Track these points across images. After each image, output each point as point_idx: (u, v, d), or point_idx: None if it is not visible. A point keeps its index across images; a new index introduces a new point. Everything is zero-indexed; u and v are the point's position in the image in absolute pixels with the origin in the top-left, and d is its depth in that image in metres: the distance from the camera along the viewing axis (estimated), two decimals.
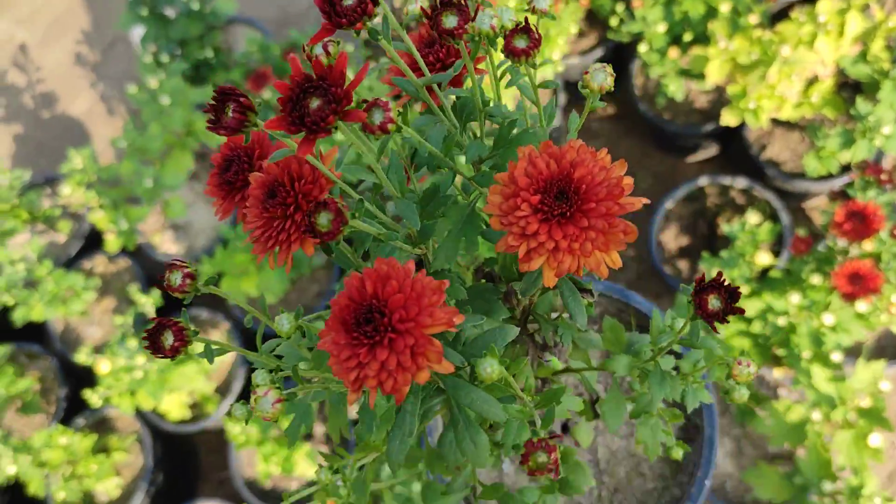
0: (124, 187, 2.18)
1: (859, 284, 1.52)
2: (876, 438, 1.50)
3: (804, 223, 2.22)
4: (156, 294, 2.12)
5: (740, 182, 2.13)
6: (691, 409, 0.76)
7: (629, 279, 2.35)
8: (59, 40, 3.20)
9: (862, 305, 1.51)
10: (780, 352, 1.65)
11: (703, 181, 2.16)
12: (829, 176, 1.99)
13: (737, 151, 2.23)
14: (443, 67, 0.72)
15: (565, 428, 0.94)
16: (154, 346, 0.65)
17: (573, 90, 2.47)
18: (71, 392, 2.30)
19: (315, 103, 0.51)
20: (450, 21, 0.60)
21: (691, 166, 2.43)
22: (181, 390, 2.11)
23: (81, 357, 1.96)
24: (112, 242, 2.11)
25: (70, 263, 2.43)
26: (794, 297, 1.55)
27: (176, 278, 0.68)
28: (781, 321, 1.58)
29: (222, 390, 2.27)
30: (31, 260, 2.10)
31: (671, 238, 2.17)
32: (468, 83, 0.67)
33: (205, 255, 2.23)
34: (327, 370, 0.68)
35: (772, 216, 2.10)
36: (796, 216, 2.20)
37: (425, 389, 0.63)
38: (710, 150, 2.35)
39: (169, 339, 0.66)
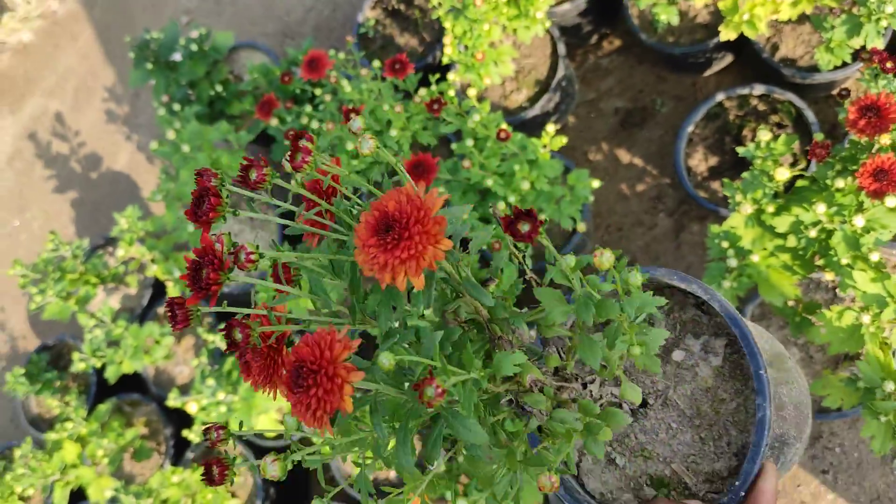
0: (171, 236, 2.30)
1: (885, 179, 1.48)
2: None
3: (833, 116, 2.15)
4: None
5: (758, 89, 2.07)
6: (645, 311, 0.78)
7: (670, 209, 2.34)
8: (89, 102, 3.35)
9: (891, 200, 1.47)
10: (821, 261, 1.63)
11: (720, 97, 2.12)
12: (845, 65, 1.92)
13: (750, 56, 2.17)
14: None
15: (584, 385, 0.98)
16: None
17: (572, 34, 2.44)
18: (176, 430, 2.48)
19: (204, 272, 0.69)
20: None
21: (710, 80, 2.37)
22: (269, 410, 2.25)
23: (171, 402, 2.11)
24: (172, 290, 2.24)
25: (145, 313, 2.60)
26: (820, 207, 1.52)
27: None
28: (813, 233, 1.56)
29: None
30: (107, 323, 2.26)
31: (700, 161, 2.14)
32: None
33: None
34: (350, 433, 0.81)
35: (797, 116, 2.04)
36: (825, 108, 2.13)
37: (410, 413, 0.74)
38: (725, 60, 2.29)
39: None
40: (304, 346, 0.65)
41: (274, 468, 0.73)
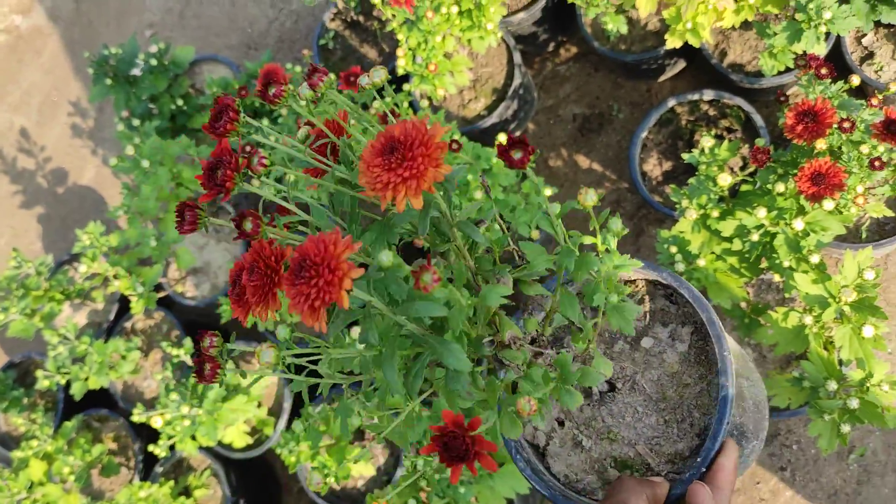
0: (134, 251, 2.31)
1: (823, 183, 1.52)
2: (869, 330, 1.51)
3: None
4: (188, 344, 2.25)
5: (707, 94, 2.11)
6: (622, 267, 0.83)
7: (629, 212, 2.37)
8: (54, 117, 3.34)
9: (829, 204, 1.51)
10: (765, 264, 1.67)
11: (672, 102, 2.15)
12: (789, 70, 1.96)
13: (701, 62, 2.21)
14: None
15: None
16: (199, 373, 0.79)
17: (529, 42, 2.47)
18: (145, 444, 2.49)
19: (219, 173, 0.73)
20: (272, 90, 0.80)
21: (664, 85, 2.41)
22: (237, 422, 2.26)
23: (135, 417, 2.12)
24: (136, 306, 2.25)
25: (112, 327, 2.60)
26: (761, 212, 1.56)
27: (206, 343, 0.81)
28: (756, 236, 1.60)
29: (275, 411, 2.41)
30: (71, 339, 2.26)
31: (654, 166, 2.18)
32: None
33: (223, 295, 2.35)
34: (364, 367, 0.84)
35: (746, 120, 2.08)
36: (774, 111, 2.17)
37: (394, 340, 0.76)
38: (678, 66, 2.33)
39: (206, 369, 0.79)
40: (308, 243, 0.67)
41: (269, 354, 0.76)
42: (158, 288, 2.57)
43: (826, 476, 2.06)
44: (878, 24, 1.93)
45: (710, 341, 1.00)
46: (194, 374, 0.80)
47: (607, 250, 0.82)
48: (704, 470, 0.89)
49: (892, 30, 1.93)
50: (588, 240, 0.82)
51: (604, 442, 1.00)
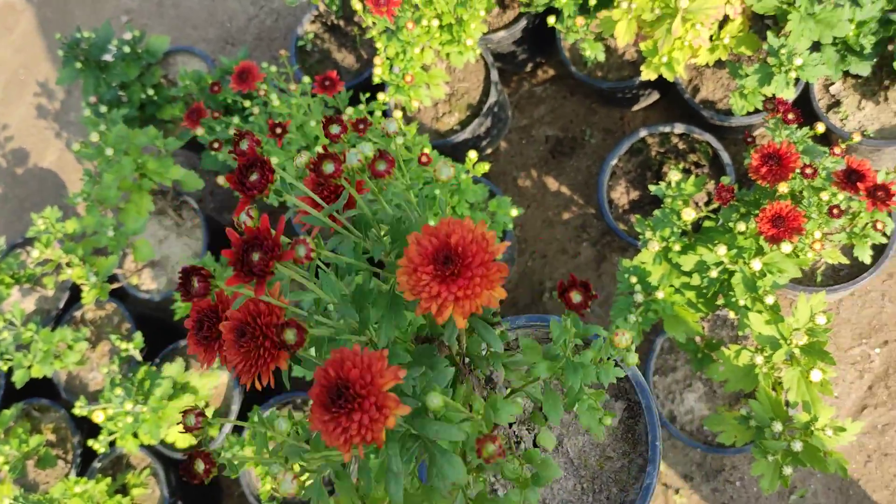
0: (90, 240, 2.26)
1: (782, 226, 1.54)
2: (817, 374, 1.53)
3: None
4: (138, 338, 2.21)
5: (679, 128, 2.14)
6: (607, 383, 0.85)
7: (594, 238, 2.39)
8: (20, 96, 3.27)
9: (787, 247, 1.53)
10: (721, 301, 1.69)
11: (643, 133, 2.17)
12: (758, 111, 1.99)
13: (674, 96, 2.24)
14: (336, 196, 0.88)
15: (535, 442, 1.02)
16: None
17: (507, 61, 2.48)
18: (84, 438, 2.42)
19: (256, 256, 0.68)
20: (328, 167, 0.78)
21: (637, 115, 2.43)
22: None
23: (77, 410, 2.06)
24: (87, 296, 2.20)
25: (61, 315, 2.54)
26: (721, 249, 1.58)
27: None
28: (714, 273, 1.61)
29: (222, 413, 2.37)
30: (16, 325, 2.20)
31: (621, 194, 2.19)
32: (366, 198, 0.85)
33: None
34: (324, 448, 0.83)
35: (714, 157, 2.11)
36: (742, 150, 2.20)
37: (402, 438, 0.76)
38: (652, 97, 2.36)
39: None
40: (350, 366, 0.64)
41: (283, 423, 0.81)
42: (112, 279, 2.52)
43: None
44: (846, 73, 1.96)
45: (640, 420, 1.01)
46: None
47: (601, 360, 0.85)
48: None
49: (859, 80, 1.97)
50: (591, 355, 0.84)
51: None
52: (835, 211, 1.50)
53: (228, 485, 2.53)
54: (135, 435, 2.15)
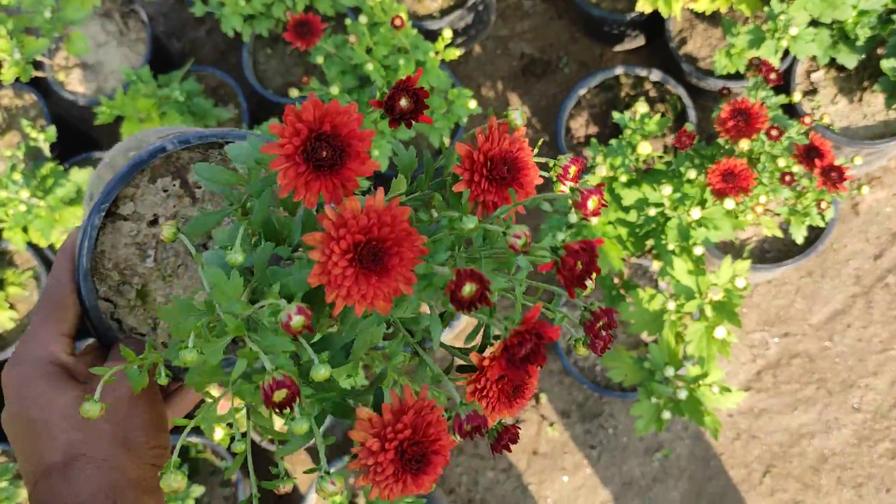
0: (23, 17, 2.08)
1: (731, 182, 1.53)
2: (721, 331, 1.55)
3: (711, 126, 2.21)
4: (51, 131, 2.07)
5: (655, 75, 2.10)
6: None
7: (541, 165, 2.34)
8: None
9: (730, 203, 1.52)
10: (650, 242, 1.68)
11: (619, 70, 2.13)
12: (738, 76, 1.97)
13: (659, 46, 2.19)
14: None
15: None
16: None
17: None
18: None
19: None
20: None
21: (618, 56, 2.38)
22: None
23: None
24: (6, 73, 2.04)
25: None
26: (667, 189, 1.56)
27: None
28: (653, 212, 1.60)
29: None
30: None
31: (580, 125, 2.15)
32: None
33: (107, 98, 2.17)
34: None
35: (681, 112, 2.08)
36: (707, 115, 2.18)
37: None
38: (637, 41, 2.31)
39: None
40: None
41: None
42: (38, 67, 2.34)
43: (628, 465, 2.13)
44: (831, 63, 1.96)
45: None
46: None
47: None
48: None
49: (841, 75, 1.97)
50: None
51: None
52: (787, 177, 1.49)
53: None
54: (24, 230, 2.03)
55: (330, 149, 0.53)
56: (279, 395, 0.51)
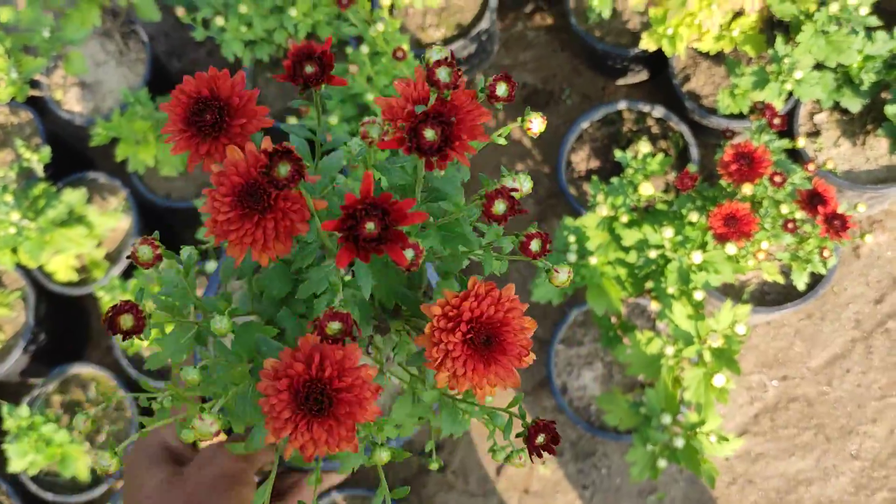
0: (22, 35, 2.06)
1: (733, 226, 1.51)
2: (720, 379, 1.52)
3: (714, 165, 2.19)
4: (45, 151, 2.04)
5: (658, 111, 2.08)
6: None
7: (539, 197, 2.32)
8: None
9: (731, 248, 1.49)
10: (649, 284, 1.65)
11: (622, 105, 2.11)
12: (741, 115, 1.95)
13: (663, 81, 2.18)
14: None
15: None
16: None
17: None
18: None
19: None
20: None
21: (620, 89, 2.37)
22: (67, 252, 2.07)
23: None
24: (2, 92, 2.01)
25: None
26: (668, 232, 1.53)
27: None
28: (653, 254, 1.57)
29: (113, 257, 2.23)
30: None
31: (582, 159, 2.13)
32: None
33: (103, 119, 2.15)
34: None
35: (683, 150, 2.06)
36: (710, 154, 2.16)
37: None
38: (641, 75, 2.29)
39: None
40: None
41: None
42: (35, 86, 2.32)
43: None
44: (835, 106, 1.94)
45: None
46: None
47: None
48: None
49: (844, 118, 1.95)
50: None
51: None
52: (790, 225, 1.47)
53: (97, 335, 2.40)
54: (14, 251, 2.00)
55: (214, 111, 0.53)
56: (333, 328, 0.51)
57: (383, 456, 0.60)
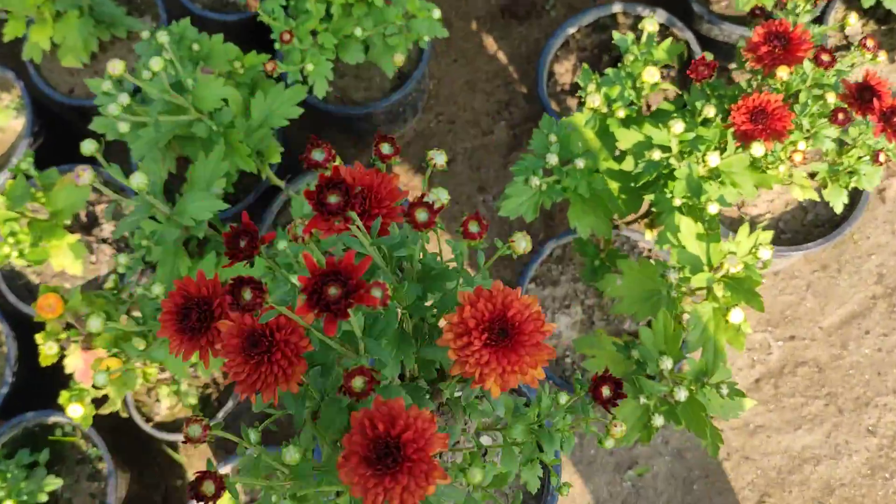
0: None
1: (762, 122, 1.18)
2: (738, 314, 1.20)
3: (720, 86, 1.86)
4: None
5: (660, 16, 1.75)
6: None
7: (514, 120, 1.98)
8: None
9: (758, 149, 1.16)
10: (649, 195, 1.32)
11: (616, 7, 1.77)
12: (762, 12, 1.62)
13: None
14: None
15: None
16: None
17: None
18: None
19: (334, 291, 0.61)
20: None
21: None
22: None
23: None
24: None
25: None
26: (678, 126, 1.19)
27: None
28: (657, 155, 1.23)
29: (0, 163, 1.85)
30: None
31: (567, 70, 1.79)
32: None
33: None
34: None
35: (688, 61, 1.74)
36: (718, 75, 1.84)
37: None
38: None
39: None
40: (403, 426, 0.61)
41: None
42: None
43: (594, 483, 1.76)
44: (870, 12, 1.63)
45: None
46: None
47: None
48: None
49: (883, 27, 1.64)
50: None
51: None
52: (840, 115, 1.14)
53: None
54: None
55: None
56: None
57: None
